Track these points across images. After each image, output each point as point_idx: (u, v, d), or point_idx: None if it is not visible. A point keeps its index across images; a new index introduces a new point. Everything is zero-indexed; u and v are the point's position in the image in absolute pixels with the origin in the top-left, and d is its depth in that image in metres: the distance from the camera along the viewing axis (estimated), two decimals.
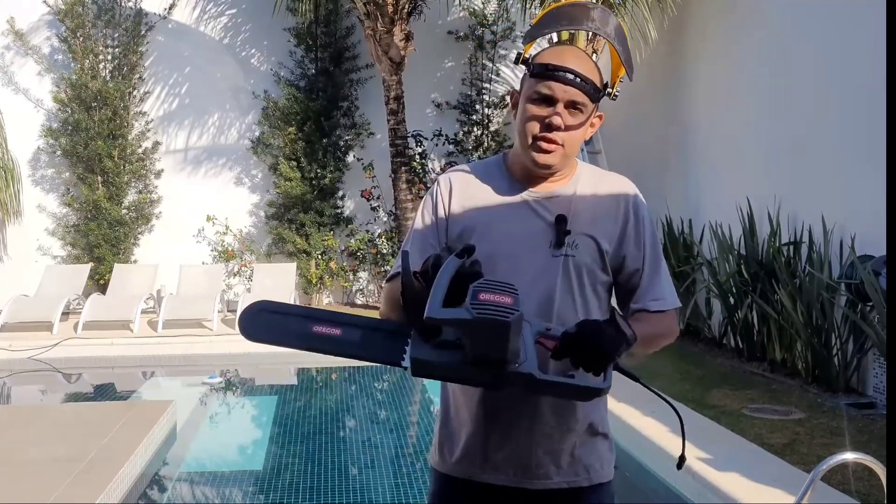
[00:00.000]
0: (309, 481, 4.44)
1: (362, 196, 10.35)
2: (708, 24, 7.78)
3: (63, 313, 8.52)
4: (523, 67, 1.59)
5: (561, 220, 1.57)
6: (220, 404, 6.77)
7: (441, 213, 1.65)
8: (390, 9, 9.47)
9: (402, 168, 9.79)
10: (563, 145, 1.55)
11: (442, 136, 10.58)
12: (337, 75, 10.57)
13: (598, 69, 1.58)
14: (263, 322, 1.44)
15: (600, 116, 1.63)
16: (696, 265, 7.43)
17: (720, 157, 7.48)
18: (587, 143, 8.24)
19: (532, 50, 1.62)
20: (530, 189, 1.62)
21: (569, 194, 1.62)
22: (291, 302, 8.76)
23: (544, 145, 1.55)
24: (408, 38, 9.66)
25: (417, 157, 10.37)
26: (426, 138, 10.50)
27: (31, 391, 7.63)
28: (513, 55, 10.21)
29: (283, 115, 10.40)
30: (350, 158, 10.73)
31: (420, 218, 1.68)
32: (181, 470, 4.87)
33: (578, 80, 1.51)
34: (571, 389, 1.36)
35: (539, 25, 1.60)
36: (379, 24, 9.51)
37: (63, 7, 10.12)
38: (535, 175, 1.61)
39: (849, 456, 2.27)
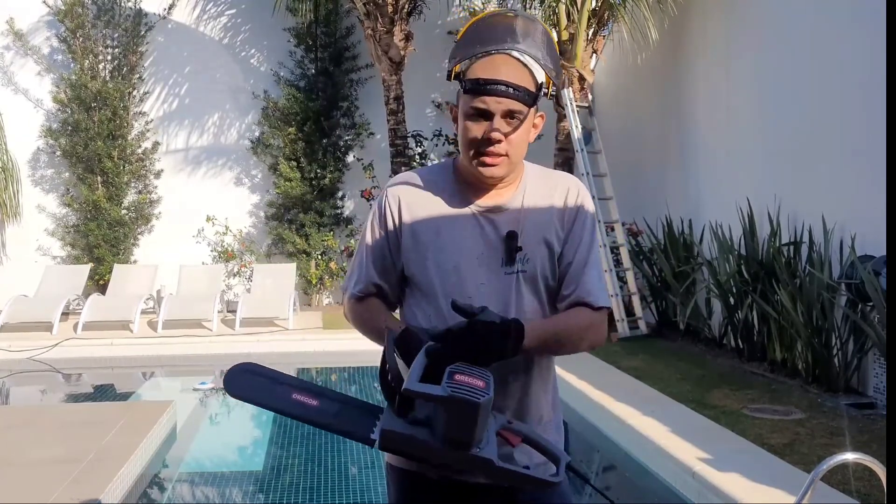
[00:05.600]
0: (309, 481, 4.44)
1: (362, 196, 10.35)
2: (708, 24, 7.78)
3: (63, 314, 8.52)
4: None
5: (511, 237, 1.58)
6: (220, 404, 6.76)
7: (389, 222, 1.65)
8: (390, 9, 9.47)
9: (402, 168, 9.79)
10: (507, 155, 1.56)
11: (442, 136, 10.58)
12: (337, 75, 10.57)
13: (531, 71, 1.56)
14: (246, 382, 1.50)
15: (541, 116, 1.63)
16: (696, 265, 7.43)
17: (720, 156, 7.47)
18: (587, 142, 8.27)
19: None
20: (479, 201, 1.62)
21: (517, 205, 1.63)
22: (291, 302, 8.76)
23: (488, 160, 1.55)
24: (408, 38, 9.67)
25: (417, 157, 10.37)
26: (426, 138, 10.50)
27: (30, 391, 7.63)
28: None
29: (283, 116, 10.41)
30: (350, 158, 10.73)
31: (370, 229, 1.69)
32: (181, 470, 4.86)
33: (511, 90, 1.51)
34: (526, 480, 1.41)
35: (462, 44, 1.59)
36: (379, 24, 9.51)
37: (63, 7, 10.13)
38: (483, 184, 1.62)
39: (849, 456, 2.27)
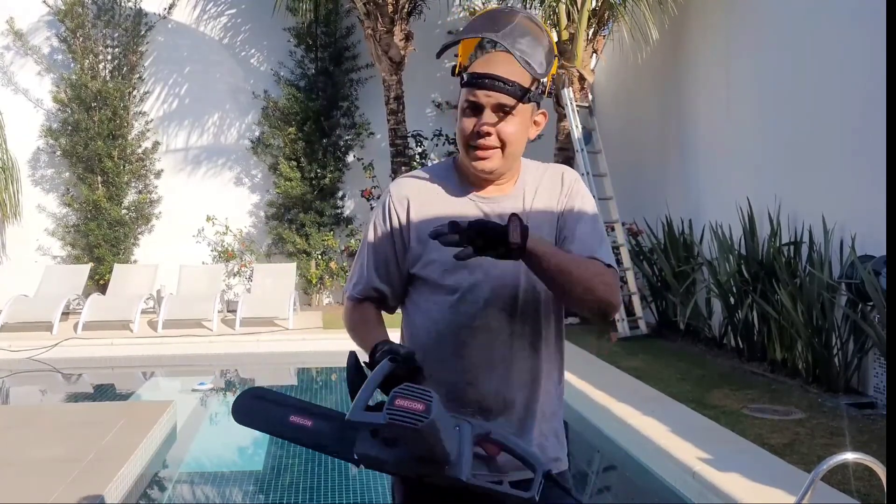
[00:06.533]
0: (309, 481, 4.44)
1: (362, 196, 10.36)
2: (708, 24, 7.78)
3: (63, 313, 8.52)
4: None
5: (516, 217, 1.59)
6: (220, 404, 6.76)
7: (395, 223, 1.66)
8: (390, 9, 9.48)
9: (403, 168, 9.79)
10: (499, 148, 1.58)
11: (442, 136, 10.59)
12: (337, 75, 10.57)
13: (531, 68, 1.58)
14: (251, 408, 1.56)
15: (543, 114, 1.66)
16: (697, 265, 7.43)
17: (720, 156, 7.47)
18: (587, 142, 8.27)
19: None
20: (481, 195, 1.65)
21: (519, 195, 1.66)
22: (291, 302, 8.76)
23: (479, 153, 1.59)
24: (408, 37, 9.67)
25: (417, 157, 10.37)
26: (426, 138, 10.51)
27: (31, 391, 7.63)
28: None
29: (283, 115, 10.41)
30: (350, 158, 10.74)
31: (373, 231, 1.69)
32: (181, 470, 4.86)
33: (499, 83, 1.55)
34: (500, 496, 1.41)
35: (464, 30, 1.65)
36: (379, 24, 9.51)
37: (63, 7, 10.13)
38: (481, 179, 1.65)
39: (849, 456, 2.27)
